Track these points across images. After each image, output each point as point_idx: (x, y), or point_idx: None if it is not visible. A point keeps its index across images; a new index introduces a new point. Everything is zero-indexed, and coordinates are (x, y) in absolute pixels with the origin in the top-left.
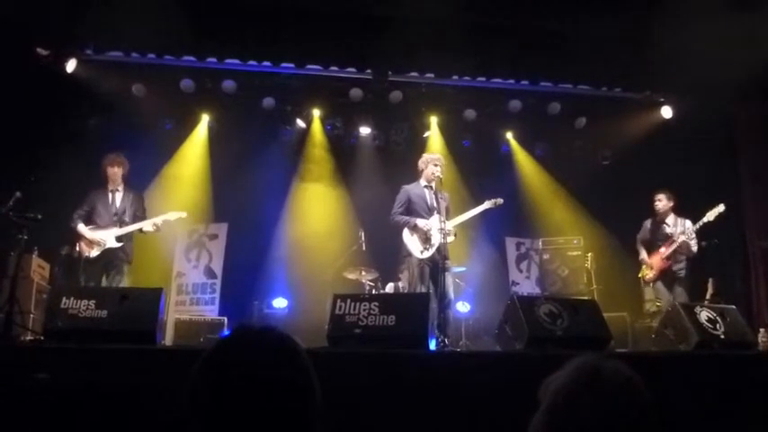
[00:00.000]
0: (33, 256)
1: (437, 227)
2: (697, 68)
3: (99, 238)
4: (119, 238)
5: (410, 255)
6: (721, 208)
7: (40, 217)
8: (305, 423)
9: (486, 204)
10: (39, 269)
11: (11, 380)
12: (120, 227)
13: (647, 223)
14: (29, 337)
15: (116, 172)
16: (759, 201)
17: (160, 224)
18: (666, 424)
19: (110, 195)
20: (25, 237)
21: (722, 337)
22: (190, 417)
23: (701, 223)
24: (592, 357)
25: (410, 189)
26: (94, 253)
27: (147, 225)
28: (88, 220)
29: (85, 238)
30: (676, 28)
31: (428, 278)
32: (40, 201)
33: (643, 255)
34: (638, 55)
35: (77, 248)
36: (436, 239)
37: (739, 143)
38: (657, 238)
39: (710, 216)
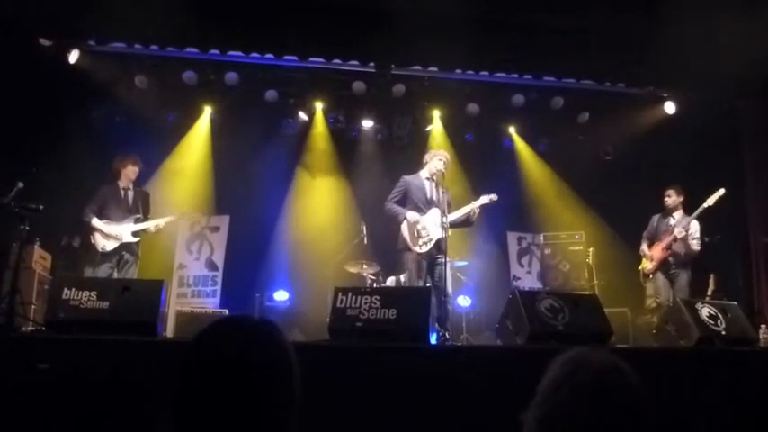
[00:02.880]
0: (35, 246)
1: (436, 221)
2: (700, 64)
3: (116, 232)
4: (134, 234)
5: (408, 249)
6: (721, 191)
7: (41, 208)
8: (271, 417)
9: (483, 199)
10: (40, 260)
11: (12, 370)
12: (135, 223)
13: (655, 219)
14: (30, 328)
15: (134, 171)
16: (762, 197)
17: (162, 225)
18: (661, 415)
19: (122, 192)
20: (27, 227)
21: (723, 333)
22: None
23: (701, 209)
24: (576, 350)
25: (410, 180)
26: (111, 246)
27: (151, 227)
28: (100, 215)
29: (101, 231)
30: (679, 23)
31: (426, 272)
32: (42, 192)
33: (644, 247)
34: (641, 50)
35: (91, 241)
36: (435, 234)
37: (742, 139)
38: (660, 231)
39: (710, 201)
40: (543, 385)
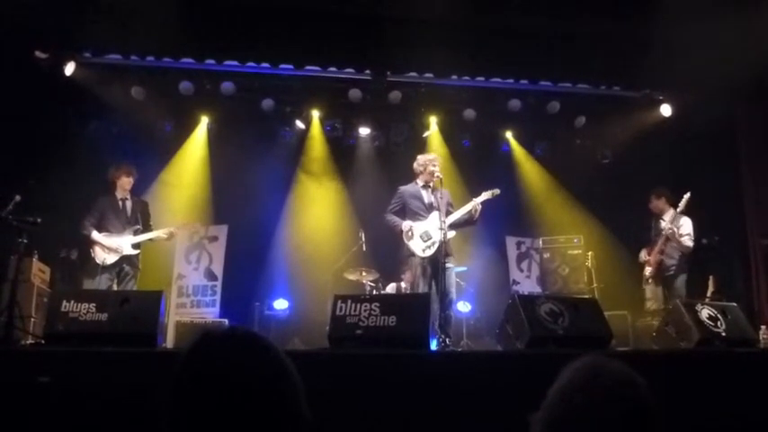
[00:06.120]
0: (33, 259)
1: (437, 224)
2: (696, 66)
3: (116, 245)
4: (134, 246)
5: (412, 254)
6: (687, 195)
7: (39, 221)
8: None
9: (484, 195)
10: (39, 273)
11: (12, 384)
12: (135, 234)
13: (652, 226)
14: (30, 341)
15: (129, 182)
16: (760, 198)
17: (171, 232)
18: (670, 425)
19: (120, 203)
20: (25, 240)
21: (723, 334)
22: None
23: (677, 212)
24: (593, 357)
25: (406, 189)
26: (111, 259)
27: (161, 234)
28: (99, 227)
29: (101, 244)
30: (675, 26)
31: (429, 277)
32: (40, 204)
33: (642, 254)
34: (637, 53)
35: (91, 254)
36: (437, 236)
37: (739, 140)
38: (654, 234)
39: (681, 205)
40: (556, 388)
